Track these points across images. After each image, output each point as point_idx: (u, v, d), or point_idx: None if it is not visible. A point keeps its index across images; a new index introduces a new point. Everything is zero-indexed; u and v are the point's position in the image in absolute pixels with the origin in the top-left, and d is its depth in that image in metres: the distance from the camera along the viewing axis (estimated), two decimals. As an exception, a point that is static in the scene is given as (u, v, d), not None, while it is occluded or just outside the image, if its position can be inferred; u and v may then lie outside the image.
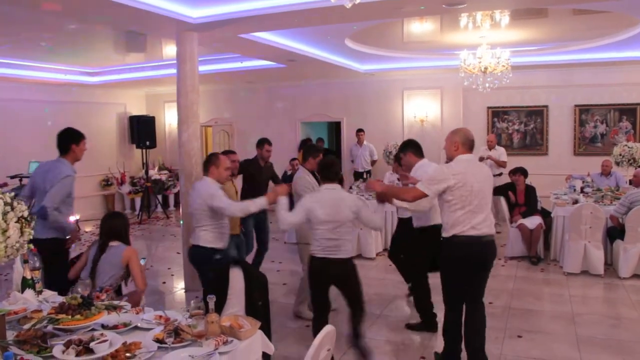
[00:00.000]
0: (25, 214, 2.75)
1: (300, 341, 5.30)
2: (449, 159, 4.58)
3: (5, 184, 10.47)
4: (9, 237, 2.62)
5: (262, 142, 7.32)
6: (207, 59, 10.10)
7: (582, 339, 5.26)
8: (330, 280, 4.51)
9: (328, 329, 2.99)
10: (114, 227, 4.87)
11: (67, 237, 5.16)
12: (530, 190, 8.50)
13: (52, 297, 3.80)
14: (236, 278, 4.20)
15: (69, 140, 5.39)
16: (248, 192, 6.78)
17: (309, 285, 4.70)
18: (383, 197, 4.78)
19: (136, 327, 3.27)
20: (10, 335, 3.01)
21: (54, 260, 4.84)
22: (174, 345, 2.95)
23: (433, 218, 5.32)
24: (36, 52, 9.61)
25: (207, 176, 5.11)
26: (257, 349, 3.24)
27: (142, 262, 5.00)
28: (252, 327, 3.20)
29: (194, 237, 5.07)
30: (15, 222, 2.66)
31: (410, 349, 5.24)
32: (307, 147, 6.19)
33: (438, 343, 5.30)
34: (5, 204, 2.64)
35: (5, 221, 2.60)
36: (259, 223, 7.22)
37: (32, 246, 2.87)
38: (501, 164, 10.24)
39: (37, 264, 3.86)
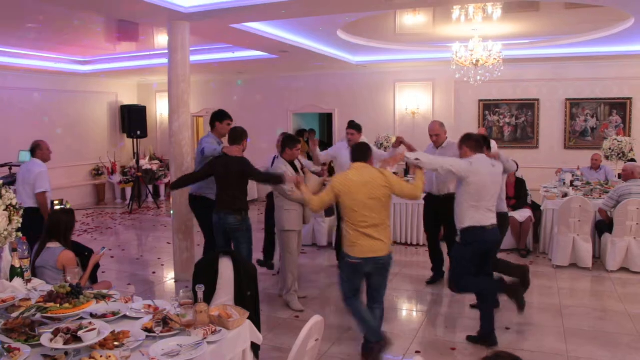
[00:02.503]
0: (14, 201, 2.74)
1: (289, 331, 5.32)
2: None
3: None
4: (-4, 225, 2.61)
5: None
6: (198, 48, 10.05)
7: (569, 331, 5.31)
8: None
9: (316, 319, 3.00)
10: (54, 224, 4.68)
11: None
12: (520, 183, 8.54)
13: (41, 286, 3.80)
14: (225, 268, 4.21)
15: (213, 118, 6.39)
16: None
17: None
18: None
19: (125, 316, 3.28)
20: (-2, 323, 3.02)
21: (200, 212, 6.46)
22: (162, 335, 2.96)
23: None
24: (27, 40, 9.53)
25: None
26: (245, 338, 3.25)
27: (101, 251, 4.95)
28: (241, 317, 3.21)
29: None
30: (4, 210, 2.65)
31: (401, 340, 5.26)
32: (284, 138, 6.23)
33: (428, 334, 5.34)
34: (-7, 192, 2.64)
35: (-7, 209, 2.59)
36: None
37: (20, 234, 2.86)
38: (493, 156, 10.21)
39: (26, 253, 3.85)
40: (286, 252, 6.12)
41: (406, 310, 6.24)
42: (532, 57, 10.87)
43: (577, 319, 5.64)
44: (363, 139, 11.91)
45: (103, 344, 2.77)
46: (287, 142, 6.08)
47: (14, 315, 3.07)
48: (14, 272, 3.70)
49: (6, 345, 2.68)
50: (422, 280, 7.03)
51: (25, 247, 3.85)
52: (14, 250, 3.74)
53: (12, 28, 8.44)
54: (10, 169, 10.70)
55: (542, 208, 8.26)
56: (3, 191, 2.71)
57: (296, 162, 6.19)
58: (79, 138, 13.44)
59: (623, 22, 8.32)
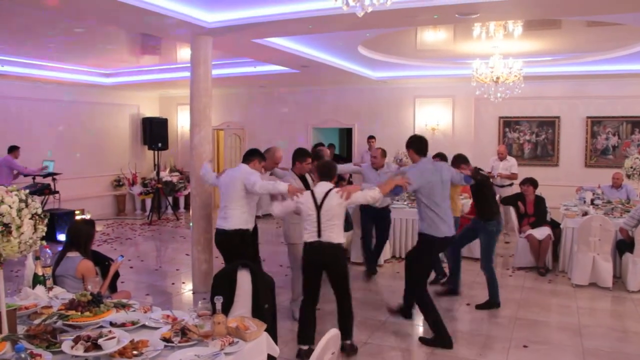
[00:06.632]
0: (39, 210, 2.80)
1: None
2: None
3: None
4: (22, 234, 2.66)
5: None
6: (221, 62, 10.17)
7: (588, 351, 5.25)
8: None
9: (333, 332, 3.01)
10: (75, 234, 4.77)
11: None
12: (539, 201, 8.48)
13: (62, 294, 3.86)
14: (243, 280, 4.24)
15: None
16: None
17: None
18: None
19: (144, 326, 3.32)
20: (21, 329, 3.07)
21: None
22: (180, 345, 2.99)
23: None
24: (52, 52, 9.72)
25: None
26: (262, 350, 3.27)
27: (119, 259, 5.03)
28: (258, 328, 3.23)
29: None
30: (29, 218, 2.71)
31: (415, 355, 5.25)
32: (295, 152, 6.27)
33: (445, 350, 5.31)
34: (20, 200, 2.69)
35: (20, 217, 2.65)
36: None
37: (44, 242, 2.92)
38: (512, 177, 10.16)
39: (49, 261, 3.92)
40: (294, 264, 6.20)
41: (422, 326, 6.20)
42: (553, 74, 10.84)
43: (596, 339, 5.57)
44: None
45: (122, 353, 2.81)
46: (297, 156, 6.16)
47: (36, 322, 3.14)
48: (37, 280, 3.78)
49: (28, 351, 2.73)
50: (434, 296, 7.00)
51: (47, 256, 3.92)
52: (37, 258, 3.82)
53: (38, 41, 8.62)
54: (34, 178, 10.87)
55: (561, 226, 8.19)
56: (29, 200, 2.77)
57: (307, 176, 6.28)
58: (100, 149, 13.63)
59: (645, 40, 8.29)
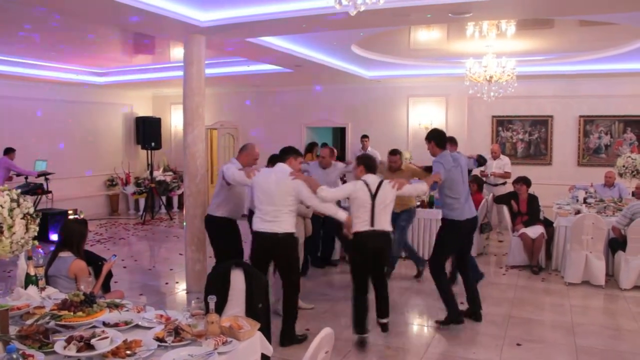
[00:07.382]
0: (31, 210, 2.78)
1: (299, 344, 5.32)
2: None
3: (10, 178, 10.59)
4: (14, 233, 2.65)
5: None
6: (214, 62, 10.15)
7: (582, 349, 5.27)
8: None
9: (327, 331, 3.00)
10: (67, 233, 4.74)
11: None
12: (532, 200, 8.50)
13: (55, 294, 3.84)
14: (237, 280, 4.23)
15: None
16: None
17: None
18: None
19: (137, 326, 3.30)
20: (13, 330, 3.05)
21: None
22: (173, 344, 2.98)
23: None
24: (45, 51, 9.67)
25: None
26: (256, 350, 3.27)
27: (112, 258, 5.02)
28: (252, 328, 3.23)
29: None
30: (21, 218, 2.70)
31: (409, 353, 5.25)
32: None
33: (439, 348, 5.32)
34: (12, 200, 2.68)
35: (11, 217, 2.64)
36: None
37: (36, 242, 2.91)
38: (506, 176, 10.21)
39: (41, 261, 3.90)
40: None
41: (417, 325, 6.22)
42: (546, 73, 10.88)
43: (589, 337, 5.59)
44: (371, 151, 12.05)
45: (115, 353, 2.79)
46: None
47: (29, 322, 3.11)
48: (29, 280, 3.75)
49: (20, 352, 2.71)
50: (434, 294, 7.00)
51: (39, 256, 3.90)
52: (29, 258, 3.80)
53: (31, 40, 8.57)
54: (26, 177, 10.83)
55: (554, 225, 8.21)
56: (21, 200, 2.75)
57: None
58: (93, 148, 13.58)
59: (638, 39, 8.31)
